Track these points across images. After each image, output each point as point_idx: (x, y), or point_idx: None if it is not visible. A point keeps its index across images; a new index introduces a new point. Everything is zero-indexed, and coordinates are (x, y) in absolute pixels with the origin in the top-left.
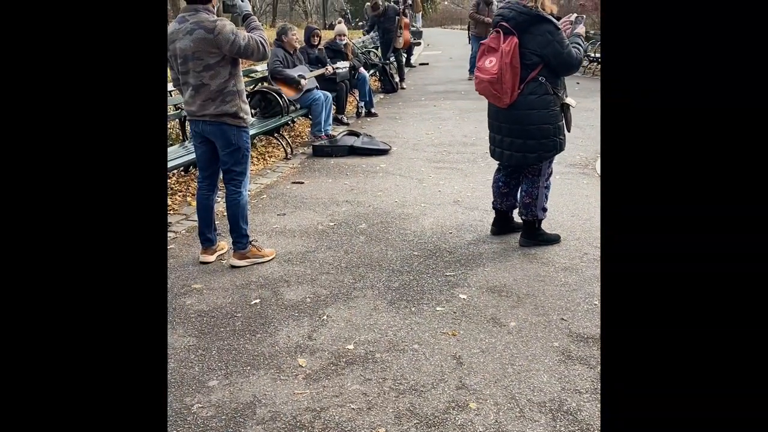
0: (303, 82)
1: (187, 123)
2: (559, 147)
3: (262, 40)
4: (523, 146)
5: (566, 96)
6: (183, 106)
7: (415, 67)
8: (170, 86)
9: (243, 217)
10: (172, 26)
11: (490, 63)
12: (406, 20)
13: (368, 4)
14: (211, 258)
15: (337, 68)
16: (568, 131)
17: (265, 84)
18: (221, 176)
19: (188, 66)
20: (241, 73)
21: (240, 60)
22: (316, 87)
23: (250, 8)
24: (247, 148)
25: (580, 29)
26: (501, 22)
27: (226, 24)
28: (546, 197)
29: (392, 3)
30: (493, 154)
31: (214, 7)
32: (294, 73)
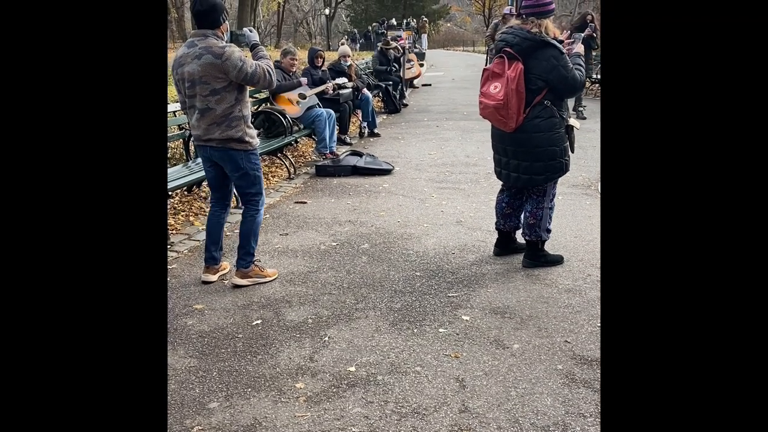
0: (303, 80)
1: (191, 143)
2: (565, 168)
3: (269, 69)
4: (529, 168)
5: (569, 117)
6: (188, 127)
7: (417, 88)
8: (174, 107)
9: (255, 236)
10: (181, 50)
11: (495, 89)
12: (413, 55)
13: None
14: (213, 278)
15: (338, 84)
16: (572, 152)
17: (269, 104)
18: (233, 197)
19: (195, 90)
20: (248, 99)
21: (246, 86)
22: (318, 105)
23: (257, 38)
24: (256, 169)
25: (579, 48)
26: (505, 47)
27: (235, 50)
28: (550, 218)
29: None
30: (499, 176)
31: (223, 33)
32: (294, 92)
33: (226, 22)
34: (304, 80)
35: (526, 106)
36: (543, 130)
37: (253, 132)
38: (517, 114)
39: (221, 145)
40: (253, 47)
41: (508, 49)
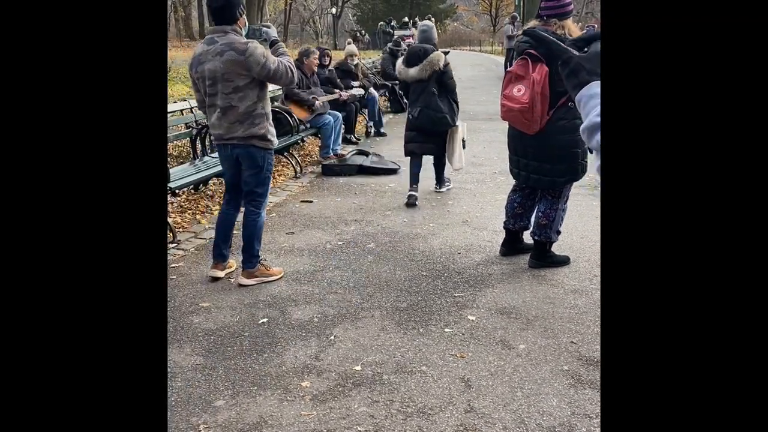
0: (317, 104)
1: (197, 141)
2: (584, 170)
3: (291, 66)
4: (552, 170)
5: None
6: (195, 126)
7: None
8: (181, 105)
9: (258, 238)
10: (199, 47)
11: (519, 91)
12: None
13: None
14: (221, 274)
15: (352, 95)
16: (590, 153)
17: (276, 103)
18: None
19: (217, 88)
20: (268, 96)
21: (267, 83)
22: (327, 111)
23: (276, 35)
24: (269, 170)
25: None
26: (529, 49)
27: (258, 47)
28: (562, 220)
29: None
30: (516, 177)
31: (241, 28)
32: (308, 96)
33: (244, 15)
34: (318, 103)
35: (550, 107)
36: (567, 132)
37: (274, 131)
38: (542, 116)
39: (243, 142)
40: (272, 44)
41: (532, 51)
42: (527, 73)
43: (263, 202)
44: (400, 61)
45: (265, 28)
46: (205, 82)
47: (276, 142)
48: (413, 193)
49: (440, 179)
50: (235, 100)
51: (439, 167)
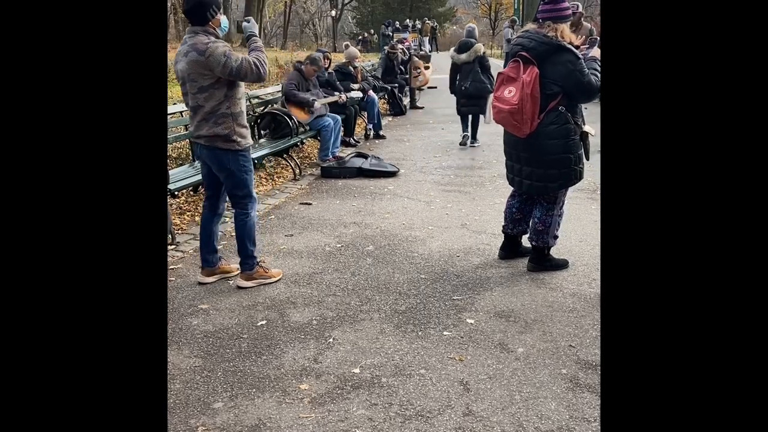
0: (316, 104)
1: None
2: (579, 176)
3: (258, 62)
4: (544, 176)
5: (584, 123)
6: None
7: (423, 89)
8: (180, 107)
9: (250, 239)
10: (179, 49)
11: (509, 93)
12: (420, 62)
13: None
14: (209, 279)
15: (350, 97)
16: (587, 159)
17: (275, 106)
18: (227, 199)
19: (186, 88)
20: (241, 96)
21: (239, 83)
22: (326, 112)
23: (255, 29)
24: (245, 171)
25: (596, 52)
26: (521, 51)
27: (219, 46)
28: (558, 225)
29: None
30: (511, 183)
31: (215, 28)
32: (308, 96)
33: (218, 15)
34: (317, 104)
35: (541, 111)
36: (557, 137)
37: (245, 131)
38: (532, 119)
39: (209, 143)
40: (248, 38)
41: (523, 53)
42: (518, 75)
43: (249, 203)
44: (452, 49)
45: (245, 23)
46: (180, 82)
47: (245, 143)
48: (468, 134)
49: (475, 135)
50: (201, 99)
51: (475, 126)
